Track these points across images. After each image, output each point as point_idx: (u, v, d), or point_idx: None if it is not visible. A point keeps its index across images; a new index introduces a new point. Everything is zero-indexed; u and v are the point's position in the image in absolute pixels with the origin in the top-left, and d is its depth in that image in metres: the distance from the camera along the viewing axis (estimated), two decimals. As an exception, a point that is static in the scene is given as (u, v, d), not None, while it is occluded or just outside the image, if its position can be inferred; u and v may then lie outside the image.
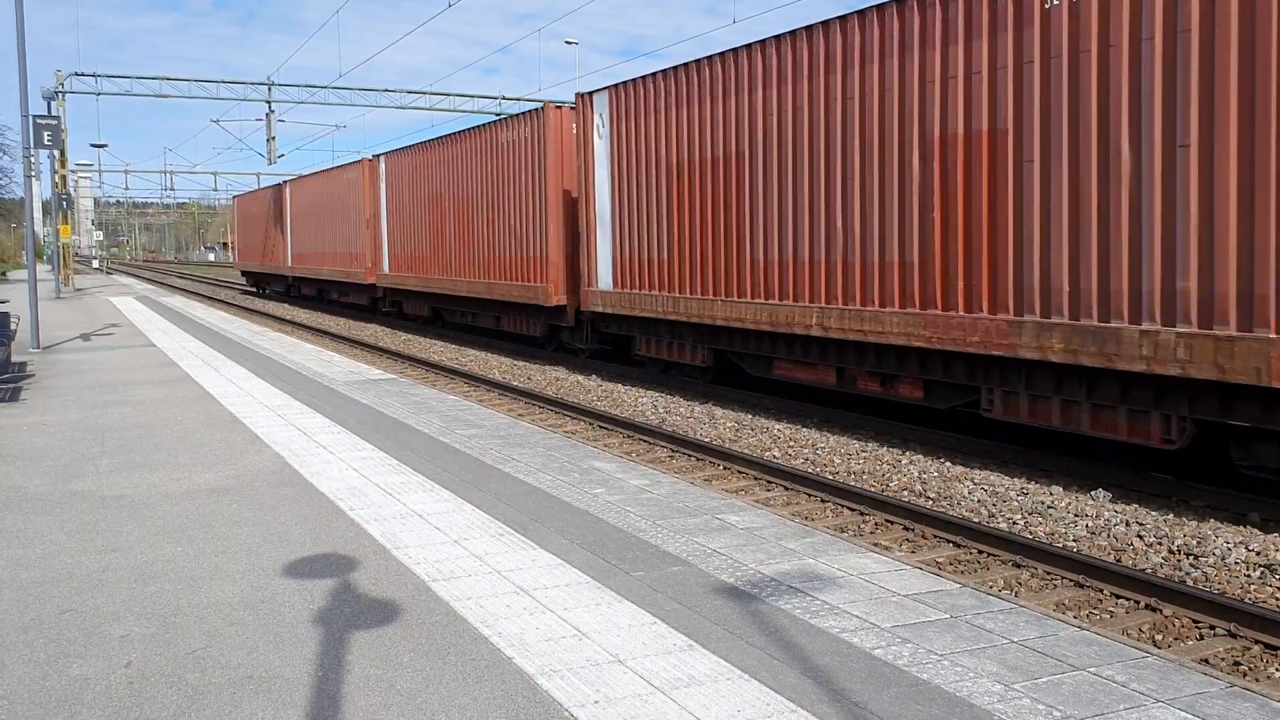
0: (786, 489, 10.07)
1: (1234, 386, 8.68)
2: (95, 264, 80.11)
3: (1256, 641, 6.38)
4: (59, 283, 38.04)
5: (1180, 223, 8.77)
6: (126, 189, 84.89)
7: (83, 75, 39.37)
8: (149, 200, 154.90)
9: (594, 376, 18.55)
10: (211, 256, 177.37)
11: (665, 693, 4.04)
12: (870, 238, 11.92)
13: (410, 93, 44.13)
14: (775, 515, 6.81)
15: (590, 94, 17.57)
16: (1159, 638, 6.55)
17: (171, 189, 73.82)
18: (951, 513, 9.11)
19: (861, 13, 11.87)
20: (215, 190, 74.50)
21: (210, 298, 45.78)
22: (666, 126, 15.52)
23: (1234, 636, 6.48)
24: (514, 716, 3.84)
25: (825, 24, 12.44)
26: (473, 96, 45.10)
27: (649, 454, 11.75)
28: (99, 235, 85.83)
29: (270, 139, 41.55)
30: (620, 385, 17.28)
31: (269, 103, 41.88)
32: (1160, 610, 6.86)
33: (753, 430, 13.08)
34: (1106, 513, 9.08)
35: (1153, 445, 9.47)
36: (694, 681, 4.15)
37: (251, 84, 41.85)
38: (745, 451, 11.57)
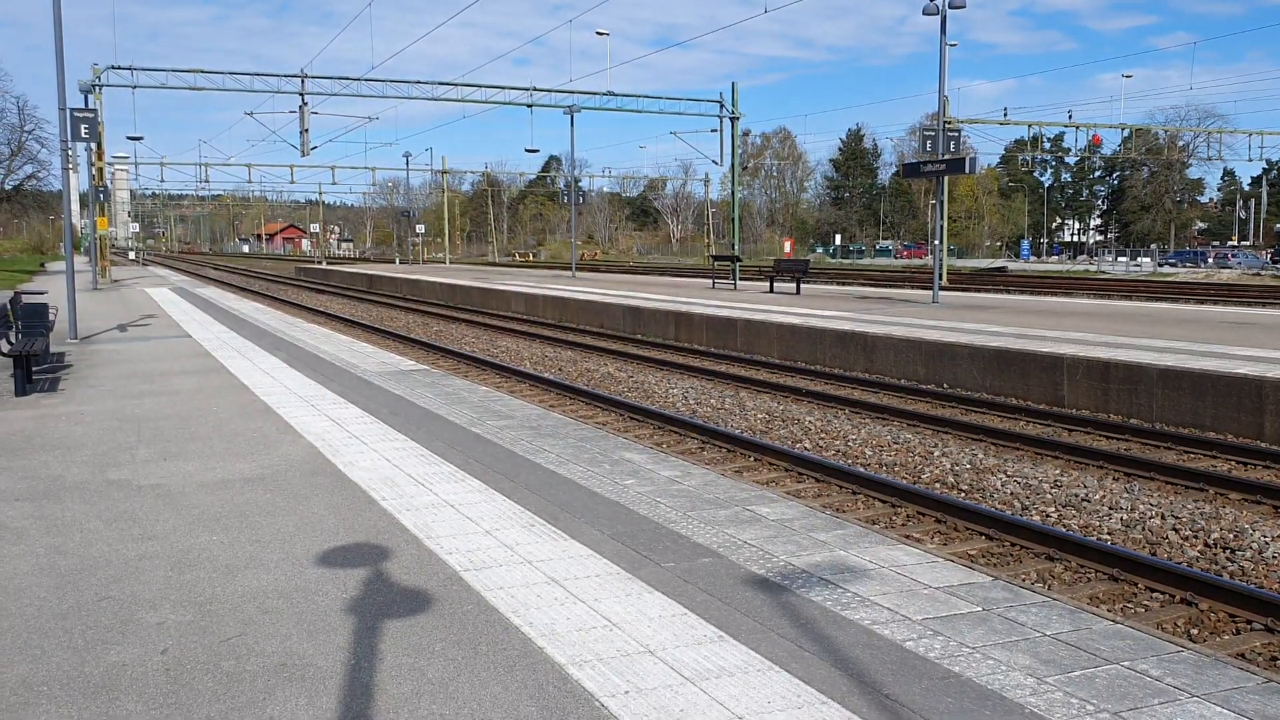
0: (817, 480, 10.04)
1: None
2: (131, 255, 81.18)
3: (1295, 636, 6.29)
4: (96, 274, 38.55)
5: None
6: (162, 181, 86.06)
7: (119, 69, 39.79)
8: (184, 193, 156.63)
9: (626, 367, 18.57)
10: (246, 248, 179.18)
11: (696, 683, 4.05)
12: None
13: (442, 84, 44.24)
14: (806, 507, 6.79)
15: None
16: (1194, 632, 6.48)
17: (206, 181, 74.52)
18: (984, 505, 9.04)
19: None
20: (249, 182, 74.63)
21: (244, 289, 46.37)
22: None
23: (1271, 631, 6.39)
24: (545, 706, 3.86)
25: None
26: (504, 88, 45.18)
27: (680, 445, 11.75)
28: (135, 227, 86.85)
29: (303, 131, 41.87)
30: (651, 377, 17.29)
31: (302, 95, 42.15)
32: (1196, 604, 6.79)
33: (784, 422, 13.04)
34: (1141, 505, 8.99)
35: None
36: (724, 673, 4.15)
37: (285, 76, 42.14)
38: (776, 443, 11.54)
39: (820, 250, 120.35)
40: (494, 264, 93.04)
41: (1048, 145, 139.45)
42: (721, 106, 48.27)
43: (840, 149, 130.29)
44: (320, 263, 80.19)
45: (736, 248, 48.40)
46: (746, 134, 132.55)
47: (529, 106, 45.52)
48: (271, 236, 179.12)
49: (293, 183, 74.38)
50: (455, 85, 44.36)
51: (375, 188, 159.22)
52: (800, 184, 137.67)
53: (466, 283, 39.78)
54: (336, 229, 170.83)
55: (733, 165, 48.72)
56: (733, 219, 48.61)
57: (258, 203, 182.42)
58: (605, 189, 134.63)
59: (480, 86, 44.63)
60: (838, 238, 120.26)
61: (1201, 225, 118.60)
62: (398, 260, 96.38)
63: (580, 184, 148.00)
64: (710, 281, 39.72)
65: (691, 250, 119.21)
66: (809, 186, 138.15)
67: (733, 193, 48.51)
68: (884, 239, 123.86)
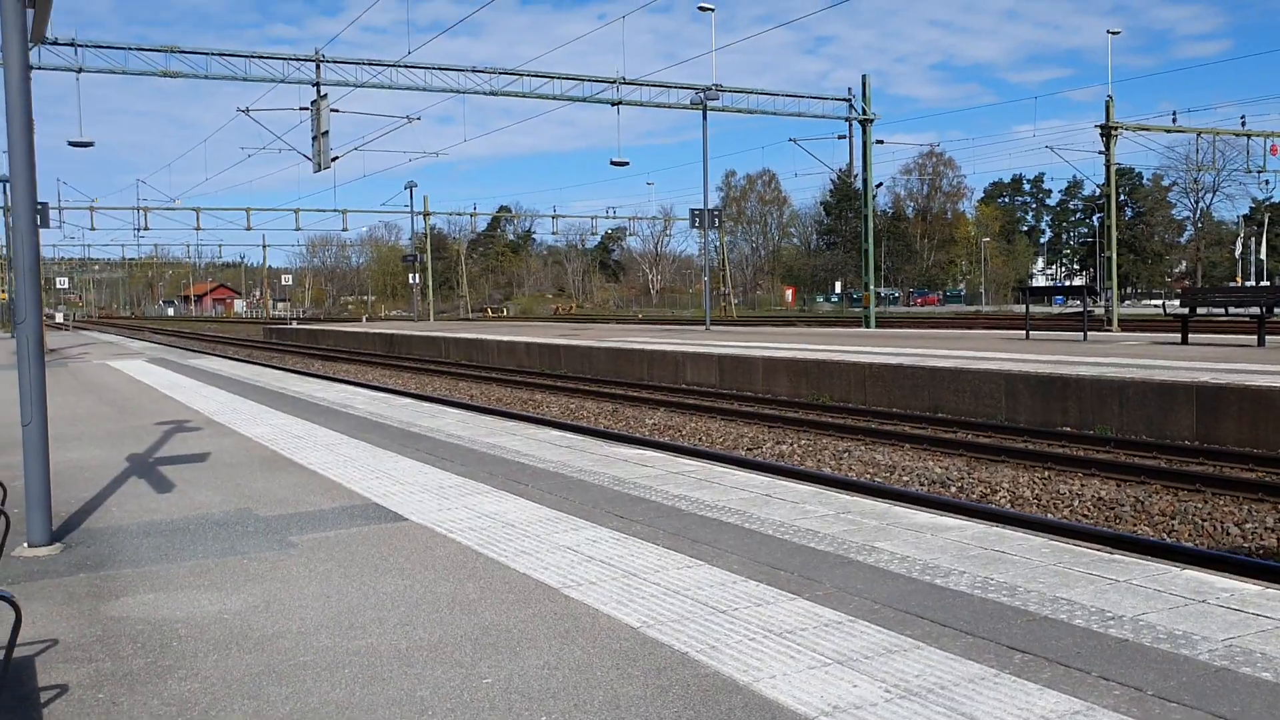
0: None
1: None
2: (59, 318, 67.59)
3: None
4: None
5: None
6: (92, 228, 72.17)
7: (55, 44, 27.37)
8: (93, 258, 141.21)
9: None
10: (170, 311, 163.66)
11: None
12: None
13: (504, 73, 32.62)
14: None
15: None
16: None
17: (145, 228, 61.25)
18: None
19: None
20: (249, 229, 60.78)
21: (251, 360, 33.14)
22: None
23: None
24: None
25: None
26: (582, 79, 33.70)
27: None
28: (64, 282, 73.34)
29: (319, 135, 29.74)
30: None
31: (318, 85, 30.15)
32: None
33: None
34: None
35: None
36: None
37: (294, 59, 30.12)
38: None
39: (821, 300, 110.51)
40: (501, 317, 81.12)
41: (1028, 187, 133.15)
42: (850, 106, 37.44)
43: (831, 189, 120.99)
44: (290, 322, 67.24)
45: (871, 288, 37.48)
46: (731, 174, 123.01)
47: (615, 104, 34.07)
48: (200, 298, 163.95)
49: (298, 228, 60.47)
50: (519, 74, 32.80)
51: (307, 246, 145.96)
52: (784, 228, 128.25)
53: (556, 340, 27.91)
54: (270, 290, 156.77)
55: (865, 178, 37.87)
56: (865, 249, 37.66)
57: (179, 264, 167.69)
58: (570, 239, 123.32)
59: (553, 77, 33.13)
60: (838, 285, 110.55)
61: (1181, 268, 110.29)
62: (365, 319, 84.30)
63: (532, 233, 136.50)
64: (960, 330, 28.38)
65: (677, 302, 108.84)
66: (792, 231, 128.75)
67: (867, 216, 37.59)
68: (882, 285, 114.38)
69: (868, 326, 36.50)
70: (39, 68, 27.13)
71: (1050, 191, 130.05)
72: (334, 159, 30.16)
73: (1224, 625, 4.03)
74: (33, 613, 4.55)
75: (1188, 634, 3.93)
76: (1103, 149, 36.40)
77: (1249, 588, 4.54)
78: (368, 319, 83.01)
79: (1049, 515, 8.47)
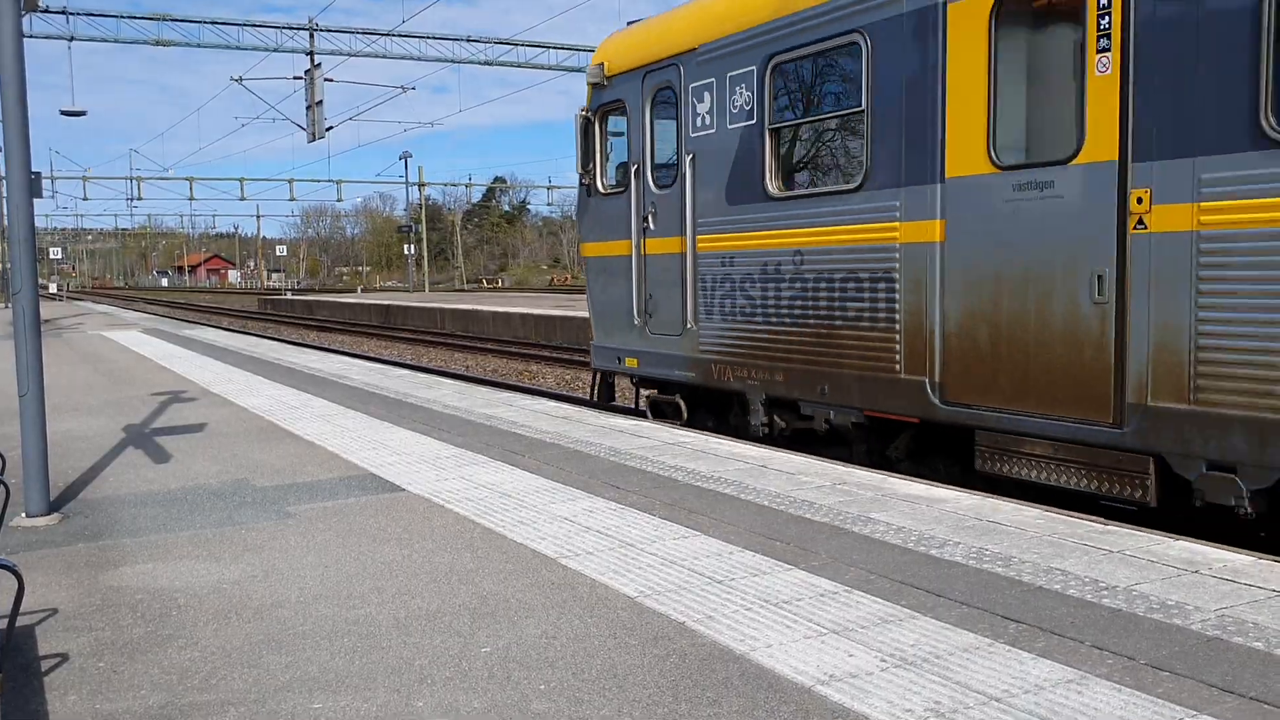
0: None
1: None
2: (53, 289, 67.26)
3: None
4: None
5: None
6: (85, 198, 71.68)
7: (47, 12, 27.15)
8: (106, 214, 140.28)
9: None
10: (164, 281, 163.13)
11: None
12: None
13: (499, 43, 32.39)
14: None
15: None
16: None
17: (138, 198, 60.98)
18: None
19: None
20: (243, 199, 60.84)
21: (246, 331, 33.15)
22: None
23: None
24: None
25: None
26: (578, 49, 33.46)
27: None
28: (58, 253, 73.05)
29: (313, 105, 29.52)
30: None
31: (311, 54, 29.93)
32: None
33: None
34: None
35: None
36: None
37: (288, 28, 29.88)
38: None
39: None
40: (496, 288, 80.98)
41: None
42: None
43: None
44: (285, 293, 67.12)
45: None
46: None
47: (611, 74, 33.77)
48: (194, 268, 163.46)
49: (292, 198, 60.11)
50: (514, 44, 32.57)
51: (301, 216, 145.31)
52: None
53: (551, 311, 27.87)
54: (264, 261, 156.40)
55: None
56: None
57: (173, 234, 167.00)
58: (566, 210, 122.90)
59: (547, 47, 32.91)
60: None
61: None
62: (360, 290, 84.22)
63: (527, 204, 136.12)
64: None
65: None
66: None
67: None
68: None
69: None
70: (30, 36, 26.90)
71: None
72: (328, 129, 29.99)
73: (1216, 595, 4.06)
74: (32, 582, 4.57)
75: (1180, 604, 3.97)
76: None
77: (1241, 558, 4.58)
78: (363, 290, 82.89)
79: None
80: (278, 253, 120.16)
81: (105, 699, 3.36)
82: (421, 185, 69.03)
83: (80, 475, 7.13)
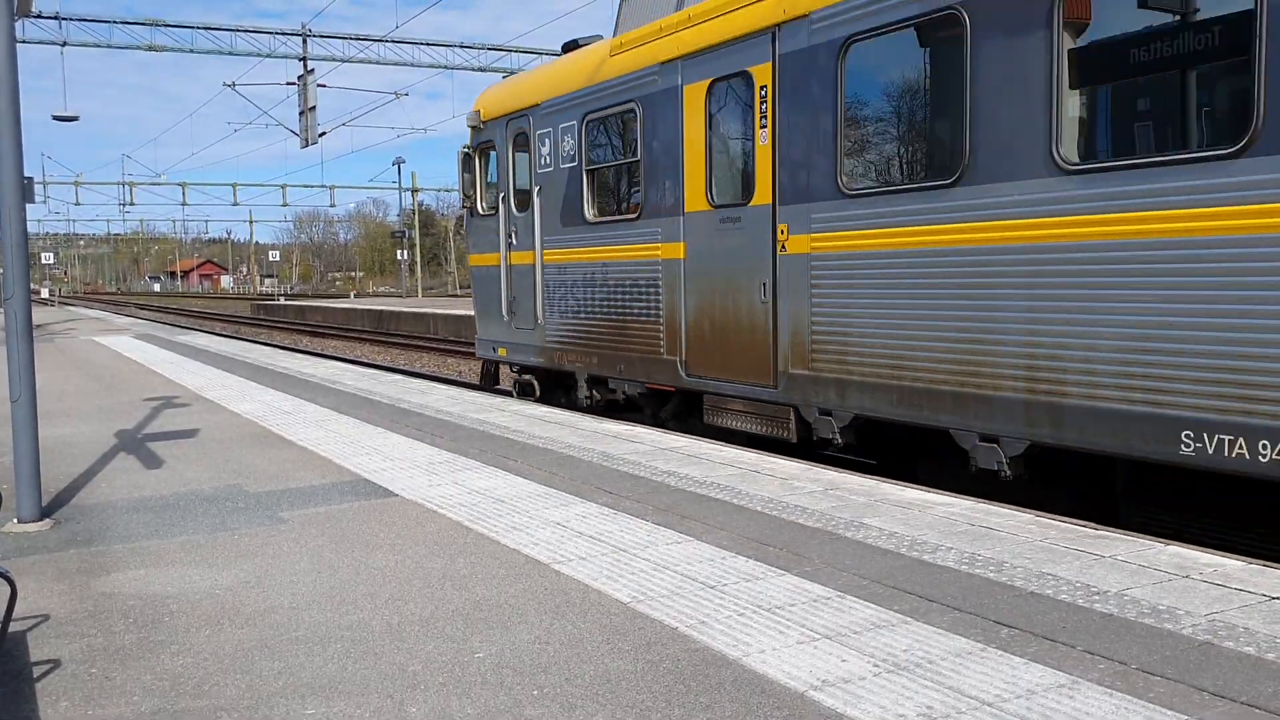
0: None
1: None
2: (45, 294, 67.03)
3: None
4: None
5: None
6: (77, 203, 71.54)
7: (40, 17, 27.10)
8: (78, 233, 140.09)
9: None
10: (156, 286, 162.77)
11: None
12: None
13: (492, 49, 32.42)
14: None
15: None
16: None
17: (130, 203, 60.82)
18: None
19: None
20: (235, 204, 60.74)
21: (238, 336, 33.07)
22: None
23: None
24: None
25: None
26: (571, 55, 33.38)
27: None
28: (49, 258, 72.80)
29: (306, 110, 29.51)
30: None
31: (304, 60, 29.94)
32: None
33: None
34: None
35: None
36: None
37: (281, 34, 29.89)
38: None
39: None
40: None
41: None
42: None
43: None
44: (278, 298, 67.00)
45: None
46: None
47: (605, 80, 33.84)
48: (186, 274, 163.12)
49: (285, 204, 60.28)
50: (509, 50, 32.61)
51: (295, 221, 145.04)
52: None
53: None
54: (257, 266, 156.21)
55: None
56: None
57: (166, 240, 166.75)
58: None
59: (543, 54, 32.89)
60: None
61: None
62: (353, 295, 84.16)
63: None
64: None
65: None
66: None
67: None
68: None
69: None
70: (23, 41, 26.86)
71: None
72: (321, 134, 29.99)
73: (1207, 600, 4.08)
74: (24, 588, 4.56)
75: (1172, 609, 3.98)
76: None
77: (1232, 563, 4.60)
78: (355, 295, 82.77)
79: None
80: (270, 258, 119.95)
81: (97, 705, 3.35)
82: (415, 191, 69.03)
83: (72, 481, 7.11)
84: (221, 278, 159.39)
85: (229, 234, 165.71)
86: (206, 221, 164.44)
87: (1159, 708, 3.12)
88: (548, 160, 10.91)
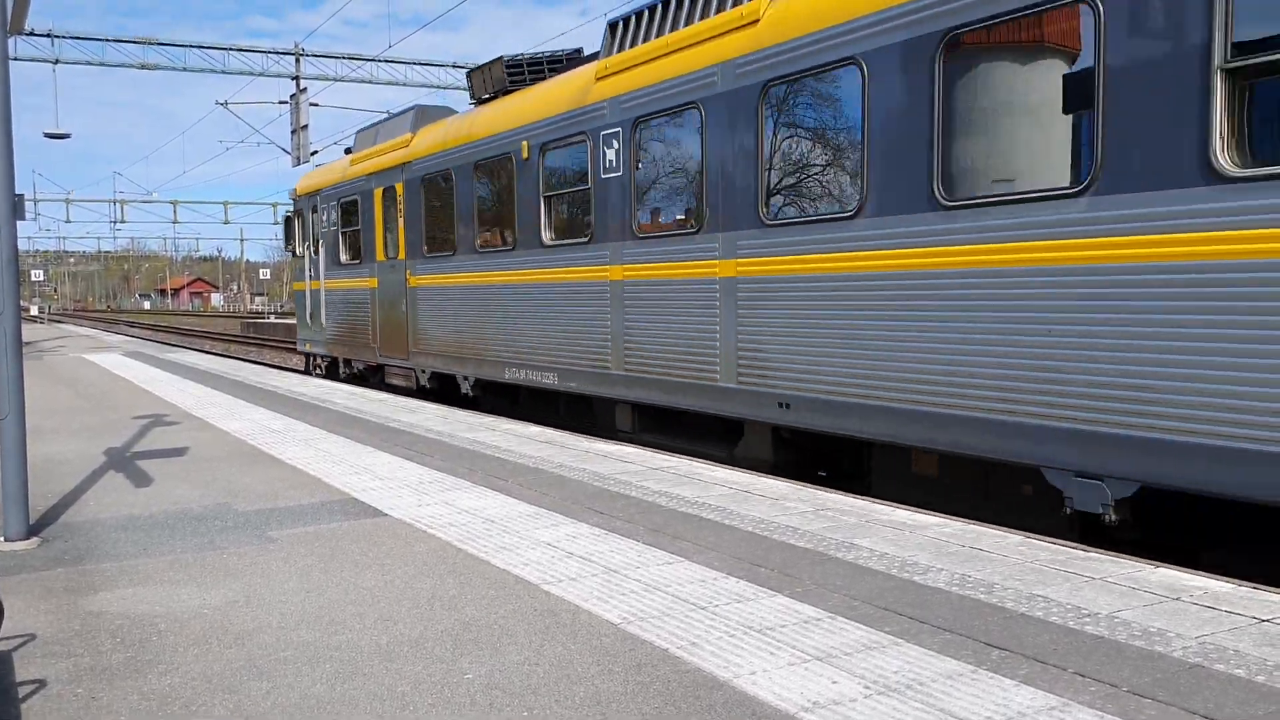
0: None
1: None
2: (35, 311, 66.67)
3: None
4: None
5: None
6: (68, 221, 71.33)
7: (32, 35, 27.12)
8: (69, 250, 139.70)
9: None
10: (147, 304, 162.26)
11: None
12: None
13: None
14: None
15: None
16: None
17: (122, 220, 60.73)
18: None
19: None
20: (227, 222, 60.75)
21: (232, 355, 32.97)
22: None
23: None
24: None
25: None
26: (564, 75, 33.50)
27: None
28: (40, 274, 72.48)
29: (298, 129, 29.53)
30: None
31: (297, 79, 29.99)
32: None
33: None
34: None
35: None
36: None
37: (274, 53, 29.96)
38: None
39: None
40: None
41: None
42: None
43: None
44: (269, 316, 66.85)
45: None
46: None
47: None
48: (177, 291, 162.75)
49: (276, 222, 60.19)
50: (501, 71, 32.54)
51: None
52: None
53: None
54: (248, 284, 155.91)
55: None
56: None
57: (156, 257, 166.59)
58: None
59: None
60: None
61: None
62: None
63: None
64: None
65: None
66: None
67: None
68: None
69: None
70: (15, 58, 26.88)
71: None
72: (313, 153, 29.97)
73: (1197, 623, 4.08)
74: (10, 607, 4.52)
75: (1162, 631, 3.99)
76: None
77: (1221, 586, 4.61)
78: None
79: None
80: (261, 276, 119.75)
81: (83, 726, 3.32)
82: (406, 210, 69.03)
83: (60, 499, 7.07)
84: (212, 296, 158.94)
85: (220, 252, 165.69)
86: (197, 239, 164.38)
87: (1150, 730, 3.11)
88: (324, 225, 17.18)
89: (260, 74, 29.94)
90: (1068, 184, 5.74)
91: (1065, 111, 5.84)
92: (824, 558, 5.16)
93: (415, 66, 31.65)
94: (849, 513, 6.21)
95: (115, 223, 62.41)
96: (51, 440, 9.94)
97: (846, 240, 7.12)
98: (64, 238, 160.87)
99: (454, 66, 32.00)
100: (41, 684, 3.68)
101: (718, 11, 8.47)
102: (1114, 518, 5.55)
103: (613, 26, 9.90)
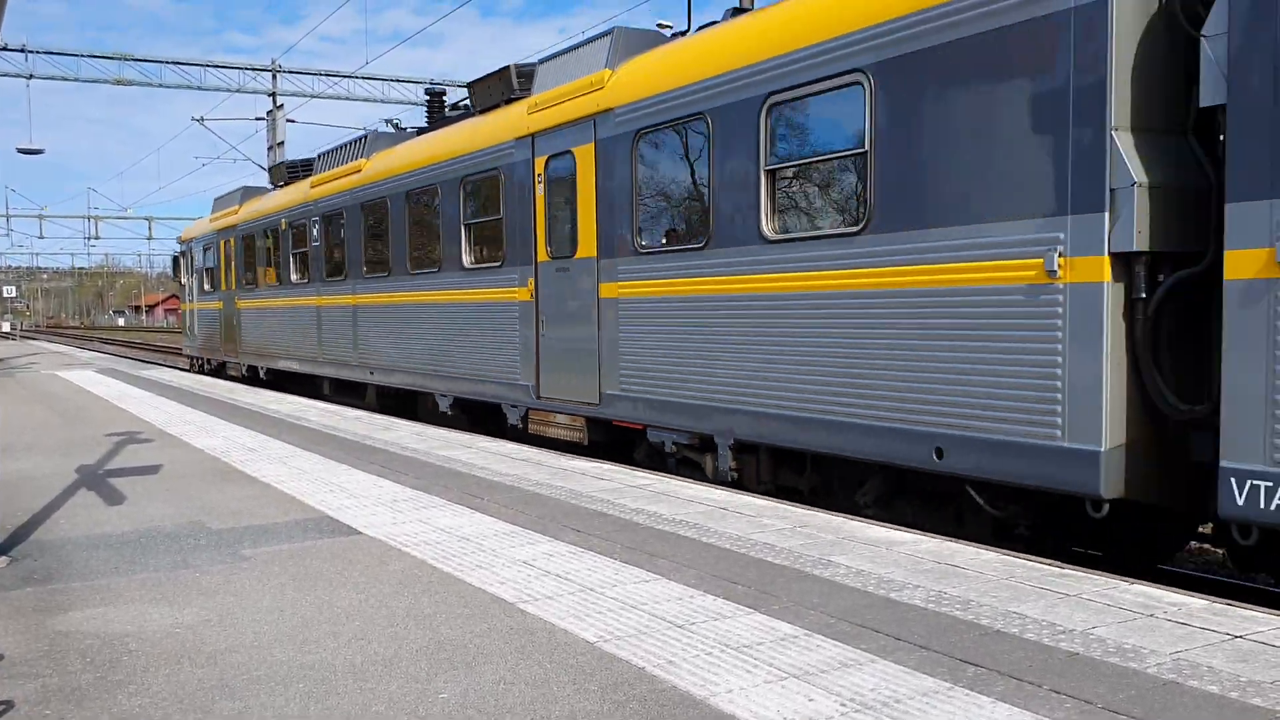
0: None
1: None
2: (6, 328, 65.87)
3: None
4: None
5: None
6: (41, 237, 70.70)
7: (6, 51, 26.94)
8: (42, 267, 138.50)
9: None
10: (121, 320, 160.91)
11: None
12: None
13: (461, 85, 32.42)
14: None
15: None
16: None
17: (95, 237, 60.26)
18: None
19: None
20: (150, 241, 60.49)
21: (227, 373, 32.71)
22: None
23: None
24: None
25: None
26: (542, 93, 33.56)
27: None
28: (11, 290, 71.67)
29: (275, 145, 29.46)
30: None
31: (274, 95, 29.92)
32: None
33: None
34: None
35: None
36: None
37: (250, 69, 29.87)
38: None
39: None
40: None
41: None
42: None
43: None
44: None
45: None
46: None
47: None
48: (152, 308, 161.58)
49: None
50: (480, 88, 32.57)
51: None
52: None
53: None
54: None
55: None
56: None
57: (131, 274, 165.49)
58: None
59: (512, 91, 32.98)
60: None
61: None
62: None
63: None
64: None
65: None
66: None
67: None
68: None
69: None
70: (-12, 72, 26.72)
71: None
72: (290, 169, 29.85)
73: (1172, 639, 4.10)
74: (-24, 628, 4.45)
75: (1137, 647, 4.00)
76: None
77: (1196, 602, 4.63)
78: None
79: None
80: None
81: (50, 748, 3.26)
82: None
83: (31, 517, 6.98)
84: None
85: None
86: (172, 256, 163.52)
87: (1125, 747, 3.11)
88: (197, 262, 23.81)
89: (237, 90, 29.83)
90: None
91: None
92: (801, 575, 5.16)
93: (393, 83, 31.64)
94: (825, 530, 6.21)
95: (89, 239, 61.83)
96: (23, 458, 9.82)
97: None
98: (37, 254, 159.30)
99: (432, 83, 31.96)
100: (8, 705, 3.62)
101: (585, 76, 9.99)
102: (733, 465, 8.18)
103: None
